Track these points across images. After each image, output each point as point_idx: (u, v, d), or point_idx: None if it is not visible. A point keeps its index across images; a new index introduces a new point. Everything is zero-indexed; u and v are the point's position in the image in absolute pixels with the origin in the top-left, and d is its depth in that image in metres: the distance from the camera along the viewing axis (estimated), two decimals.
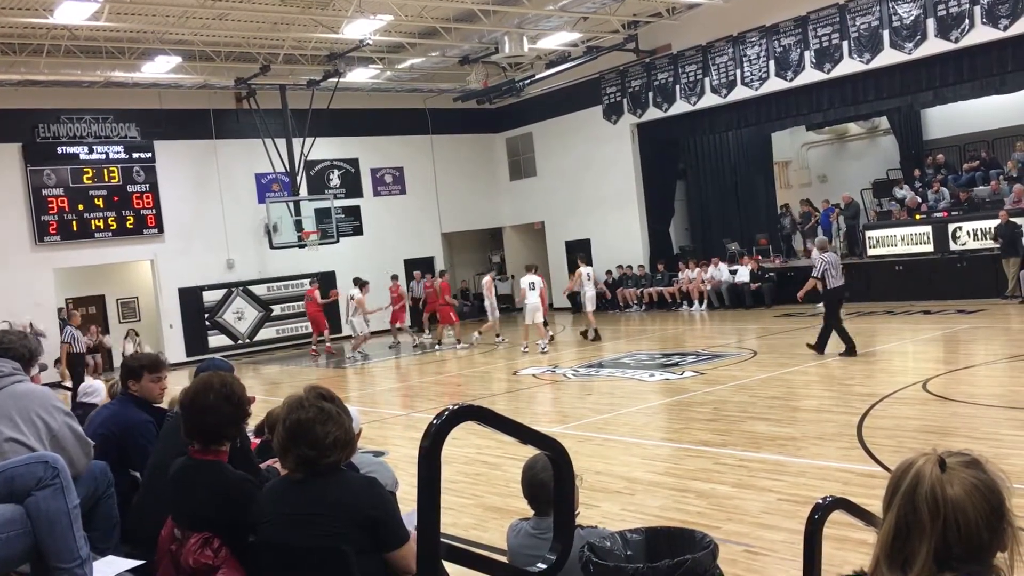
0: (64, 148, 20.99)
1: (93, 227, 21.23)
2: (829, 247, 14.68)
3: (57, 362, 17.57)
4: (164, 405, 4.82)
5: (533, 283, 17.25)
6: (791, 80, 19.82)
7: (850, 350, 12.41)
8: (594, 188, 24.55)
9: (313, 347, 21.32)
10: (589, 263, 20.03)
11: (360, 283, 19.77)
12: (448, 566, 2.42)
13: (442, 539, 2.32)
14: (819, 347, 12.73)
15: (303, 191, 23.06)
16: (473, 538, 6.06)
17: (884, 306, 17.89)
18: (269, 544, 2.93)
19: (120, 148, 21.69)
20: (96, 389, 6.78)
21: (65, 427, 3.72)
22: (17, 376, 3.74)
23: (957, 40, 17.04)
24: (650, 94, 22.87)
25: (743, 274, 21.40)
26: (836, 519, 2.51)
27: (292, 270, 23.35)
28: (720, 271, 21.73)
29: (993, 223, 17.20)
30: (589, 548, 2.84)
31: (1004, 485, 1.62)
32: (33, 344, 4.09)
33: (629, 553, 2.93)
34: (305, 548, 2.83)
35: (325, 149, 23.99)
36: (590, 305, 18.00)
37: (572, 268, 24.80)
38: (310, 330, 21.67)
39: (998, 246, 16.96)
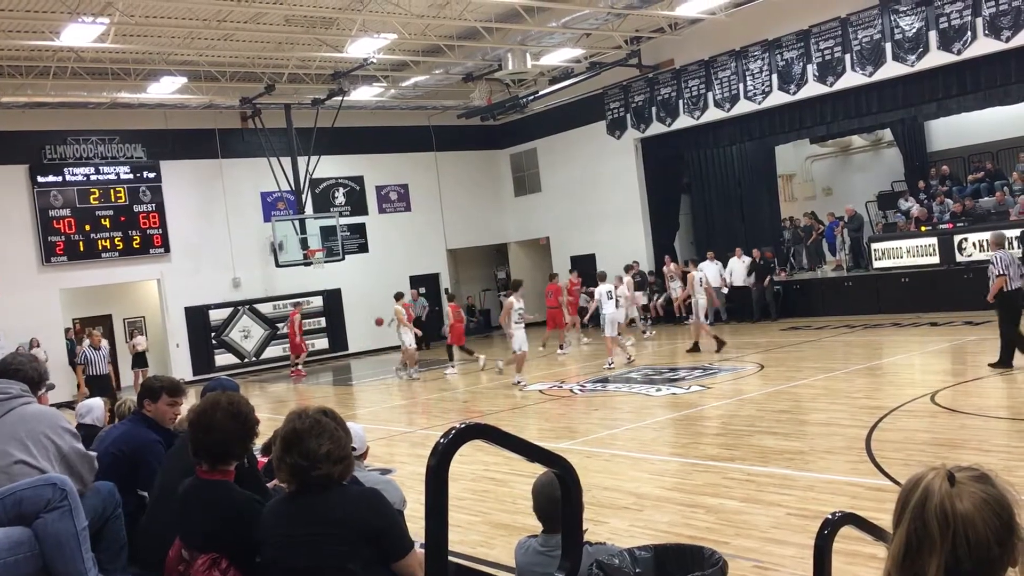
0: (71, 169, 21.11)
1: (100, 247, 21.32)
2: (1006, 243, 11.94)
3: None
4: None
5: (611, 292, 16.35)
6: (794, 93, 19.86)
7: (1004, 361, 11.07)
8: (599, 203, 24.57)
9: (292, 369, 21.33)
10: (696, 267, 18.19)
11: (398, 295, 18.97)
12: None
13: (450, 557, 2.31)
14: (1004, 361, 11.15)
15: (308, 209, 23.12)
16: (481, 555, 6.04)
17: (891, 318, 17.86)
18: (275, 564, 2.93)
19: (126, 168, 21.81)
20: (91, 408, 6.50)
21: (73, 449, 3.72)
22: (25, 398, 3.76)
23: (959, 52, 17.07)
24: (653, 109, 22.93)
25: (738, 270, 20.92)
26: (846, 534, 2.49)
27: (298, 288, 23.40)
28: (713, 268, 21.00)
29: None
30: (598, 566, 2.83)
31: (1014, 499, 1.61)
32: (43, 367, 4.11)
33: (638, 571, 2.92)
34: (311, 568, 2.82)
35: (330, 167, 24.07)
36: (701, 314, 16.90)
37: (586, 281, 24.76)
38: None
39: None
